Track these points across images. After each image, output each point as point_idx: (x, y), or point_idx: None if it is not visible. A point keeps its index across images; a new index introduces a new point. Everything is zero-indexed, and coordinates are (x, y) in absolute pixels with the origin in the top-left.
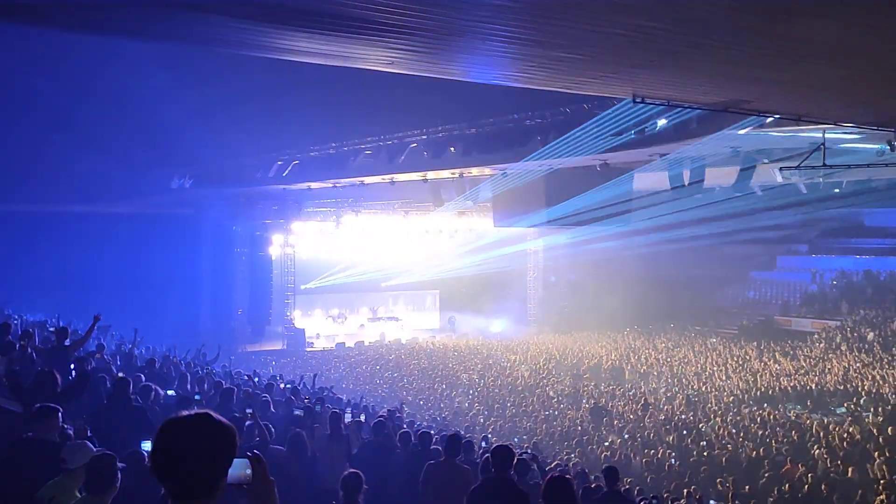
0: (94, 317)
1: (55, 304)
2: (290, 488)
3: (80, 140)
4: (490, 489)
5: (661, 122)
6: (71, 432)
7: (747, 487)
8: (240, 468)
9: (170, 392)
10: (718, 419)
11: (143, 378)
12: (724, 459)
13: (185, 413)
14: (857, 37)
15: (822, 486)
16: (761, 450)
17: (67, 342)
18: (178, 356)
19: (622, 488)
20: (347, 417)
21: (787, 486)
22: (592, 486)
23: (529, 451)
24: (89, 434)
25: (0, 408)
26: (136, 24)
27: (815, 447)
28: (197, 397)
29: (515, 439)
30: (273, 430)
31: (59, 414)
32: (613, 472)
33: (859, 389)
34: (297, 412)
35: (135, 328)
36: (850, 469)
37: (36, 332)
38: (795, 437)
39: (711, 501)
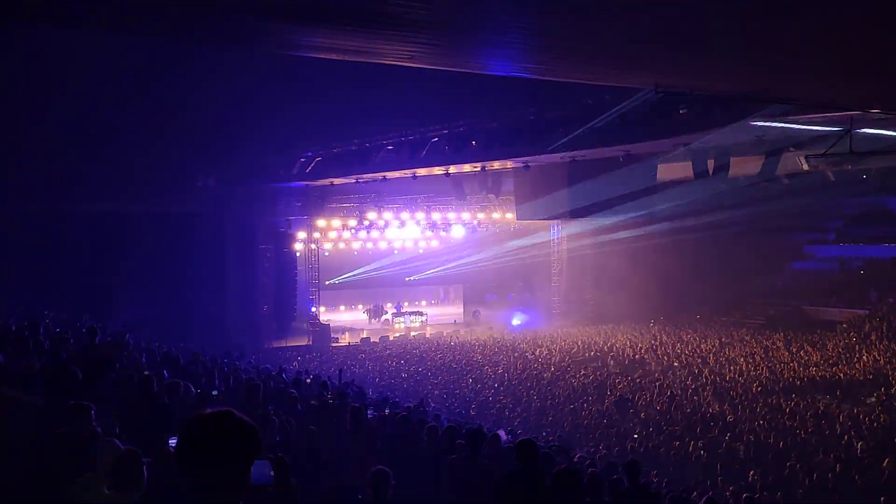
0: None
1: (81, 304)
2: (313, 486)
3: (103, 139)
4: (514, 482)
5: (684, 111)
6: (99, 429)
7: (775, 479)
8: (263, 470)
9: (196, 389)
10: (746, 410)
11: (170, 375)
12: (751, 450)
13: (208, 410)
14: (885, 19)
15: (853, 477)
16: (789, 440)
17: (98, 340)
18: (205, 354)
19: (650, 482)
20: (370, 413)
21: (816, 476)
22: (615, 479)
23: (556, 443)
24: (117, 431)
25: (22, 402)
26: (158, 23)
27: (845, 437)
28: (214, 393)
29: (544, 433)
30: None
31: (92, 412)
32: (635, 467)
33: (890, 379)
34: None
35: (163, 328)
36: (881, 459)
37: (68, 332)
38: (825, 428)
39: (745, 494)
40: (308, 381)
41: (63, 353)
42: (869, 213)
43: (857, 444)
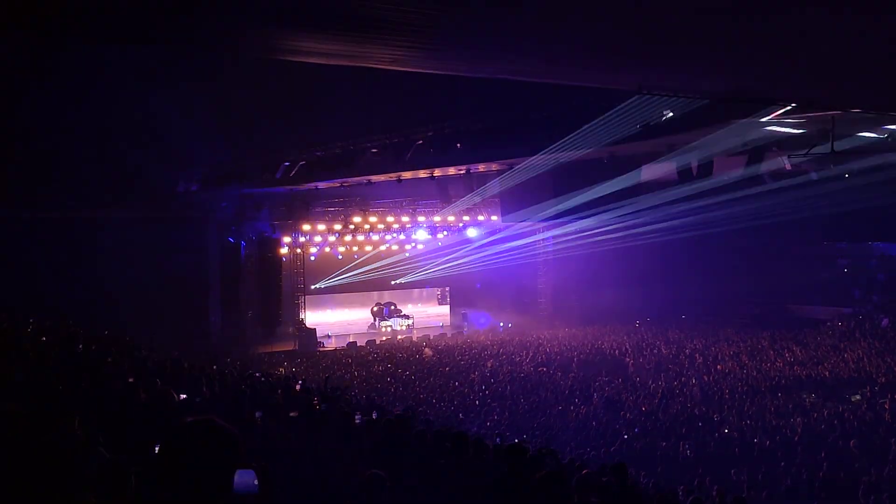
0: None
1: (64, 312)
2: (301, 493)
3: (84, 144)
4: (502, 487)
5: (669, 114)
6: (83, 437)
7: (761, 477)
8: (246, 479)
9: (182, 396)
10: (732, 409)
11: (155, 382)
12: (738, 450)
13: (189, 419)
14: (865, 20)
15: (838, 476)
16: (775, 439)
17: (80, 347)
18: (190, 360)
19: (637, 483)
20: (357, 418)
21: (801, 475)
22: (603, 481)
23: (544, 446)
24: (101, 440)
25: (5, 410)
26: (144, 29)
27: (831, 436)
28: (197, 399)
29: (525, 435)
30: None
31: (76, 420)
32: (622, 469)
33: (874, 377)
34: (291, 414)
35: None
36: (866, 458)
37: (52, 339)
38: (810, 426)
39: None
40: (297, 386)
41: (47, 360)
42: (852, 213)
43: (843, 442)
